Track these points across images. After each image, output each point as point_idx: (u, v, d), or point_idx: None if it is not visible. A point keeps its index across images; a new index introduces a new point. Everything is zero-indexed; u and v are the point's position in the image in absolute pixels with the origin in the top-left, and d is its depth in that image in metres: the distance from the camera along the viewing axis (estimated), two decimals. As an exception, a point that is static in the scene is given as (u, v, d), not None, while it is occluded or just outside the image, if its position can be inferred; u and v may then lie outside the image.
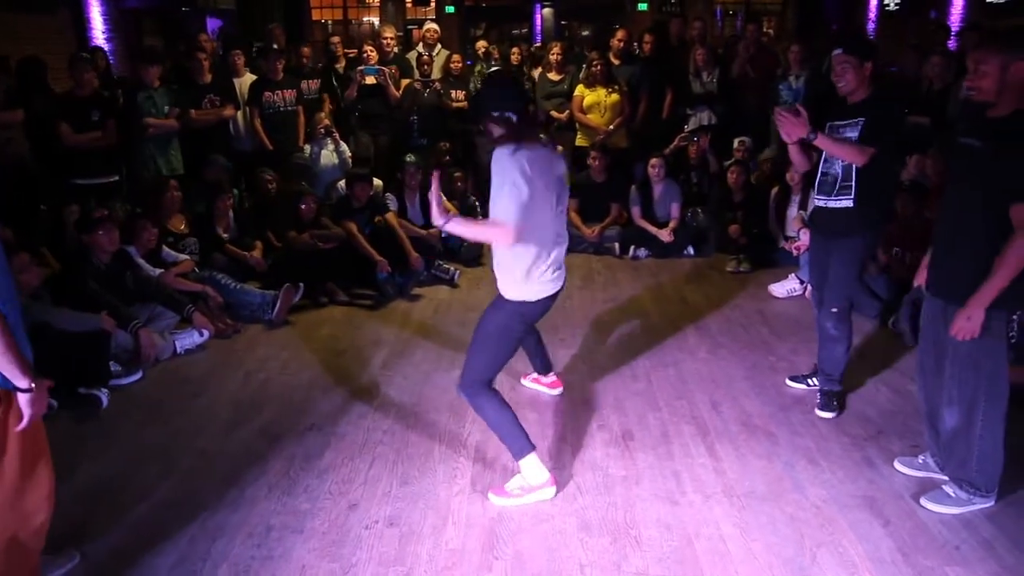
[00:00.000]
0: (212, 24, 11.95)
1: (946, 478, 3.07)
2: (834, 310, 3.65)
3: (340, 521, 2.97)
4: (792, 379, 4.10)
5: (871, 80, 3.48)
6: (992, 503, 2.97)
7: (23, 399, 2.20)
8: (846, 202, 3.53)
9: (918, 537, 2.84)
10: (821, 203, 3.67)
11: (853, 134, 3.46)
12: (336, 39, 7.68)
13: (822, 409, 3.75)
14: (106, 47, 8.96)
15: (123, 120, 5.94)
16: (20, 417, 2.23)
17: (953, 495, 2.98)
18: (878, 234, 3.75)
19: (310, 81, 7.02)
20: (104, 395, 3.95)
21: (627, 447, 3.48)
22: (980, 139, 2.75)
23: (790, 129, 3.41)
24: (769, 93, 7.01)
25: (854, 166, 3.45)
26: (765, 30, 15.16)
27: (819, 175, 3.68)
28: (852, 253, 3.58)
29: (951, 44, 7.95)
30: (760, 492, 3.12)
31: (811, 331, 4.73)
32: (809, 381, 4.03)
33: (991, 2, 8.76)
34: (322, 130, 6.72)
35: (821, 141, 3.40)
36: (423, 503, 3.08)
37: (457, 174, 6.63)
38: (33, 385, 2.19)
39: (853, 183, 3.49)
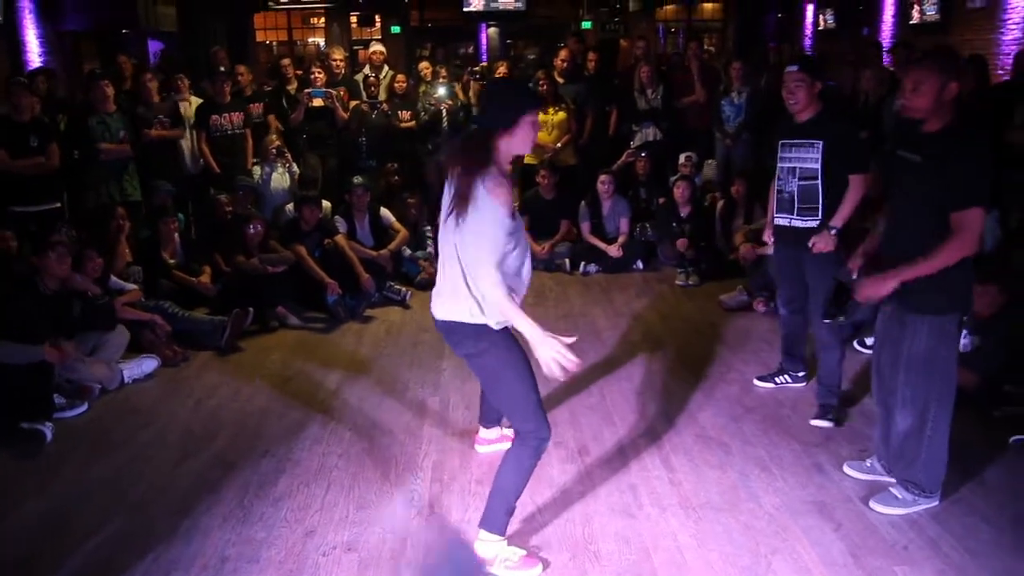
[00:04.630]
0: (153, 46, 11.72)
1: (893, 480, 3.16)
2: (826, 321, 3.62)
3: (297, 549, 2.93)
4: (760, 379, 4.21)
5: (818, 97, 3.59)
6: (936, 503, 3.08)
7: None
8: (811, 222, 3.63)
9: (868, 538, 2.92)
10: (784, 222, 3.75)
11: (812, 155, 3.57)
12: (287, 61, 7.63)
13: (818, 418, 3.78)
14: (43, 71, 8.74)
15: (65, 145, 5.80)
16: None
17: (900, 496, 3.07)
18: (846, 244, 3.69)
19: (253, 104, 6.95)
20: (48, 429, 3.84)
21: (583, 462, 3.51)
22: (917, 153, 2.88)
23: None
24: (712, 109, 7.19)
25: (819, 186, 3.55)
26: (706, 47, 15.54)
27: (775, 192, 3.77)
28: (824, 264, 3.60)
29: (884, 60, 8.25)
30: (715, 502, 3.17)
31: (761, 341, 4.86)
32: (777, 379, 4.15)
33: (913, 23, 9.42)
34: (274, 151, 6.64)
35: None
36: (381, 527, 3.05)
37: (411, 200, 6.61)
38: None
39: (820, 204, 3.60)
